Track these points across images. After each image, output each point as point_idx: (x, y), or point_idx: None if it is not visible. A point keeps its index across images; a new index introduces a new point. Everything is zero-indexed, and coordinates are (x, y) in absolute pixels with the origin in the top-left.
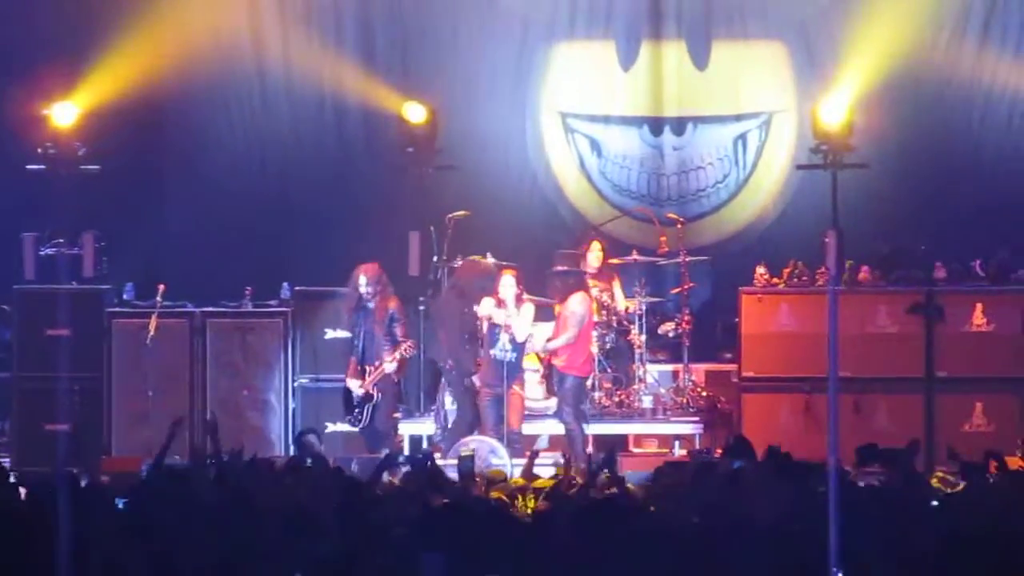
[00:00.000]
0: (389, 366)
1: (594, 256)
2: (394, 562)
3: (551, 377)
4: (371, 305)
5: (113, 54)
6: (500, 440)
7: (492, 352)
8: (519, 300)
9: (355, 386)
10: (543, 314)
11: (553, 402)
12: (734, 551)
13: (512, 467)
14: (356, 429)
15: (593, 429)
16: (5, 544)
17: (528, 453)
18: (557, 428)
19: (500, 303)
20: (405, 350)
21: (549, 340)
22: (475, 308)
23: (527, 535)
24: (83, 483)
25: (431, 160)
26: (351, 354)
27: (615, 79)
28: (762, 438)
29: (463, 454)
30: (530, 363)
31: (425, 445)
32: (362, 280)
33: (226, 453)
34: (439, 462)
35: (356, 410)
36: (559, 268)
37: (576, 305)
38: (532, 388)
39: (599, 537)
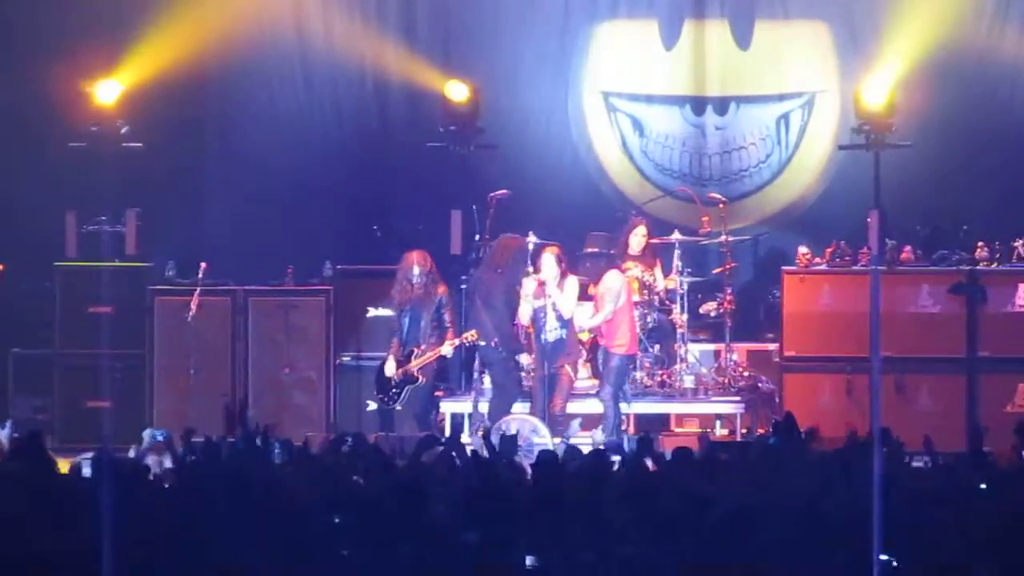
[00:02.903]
0: (447, 349)
1: (636, 240)
2: (435, 540)
3: (595, 357)
4: (420, 292)
5: (156, 31)
6: (544, 419)
7: (542, 335)
8: (563, 275)
9: (392, 368)
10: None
11: (596, 383)
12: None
13: (554, 445)
14: (388, 408)
15: (635, 408)
16: (50, 523)
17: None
18: (598, 408)
19: (540, 284)
20: (467, 338)
21: (591, 319)
22: (517, 287)
23: (567, 513)
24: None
25: (473, 139)
26: (394, 336)
27: (658, 58)
28: (804, 418)
29: (506, 435)
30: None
31: (467, 423)
32: (416, 270)
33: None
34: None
35: (393, 391)
36: (589, 250)
37: (611, 281)
38: (580, 368)
39: (640, 514)
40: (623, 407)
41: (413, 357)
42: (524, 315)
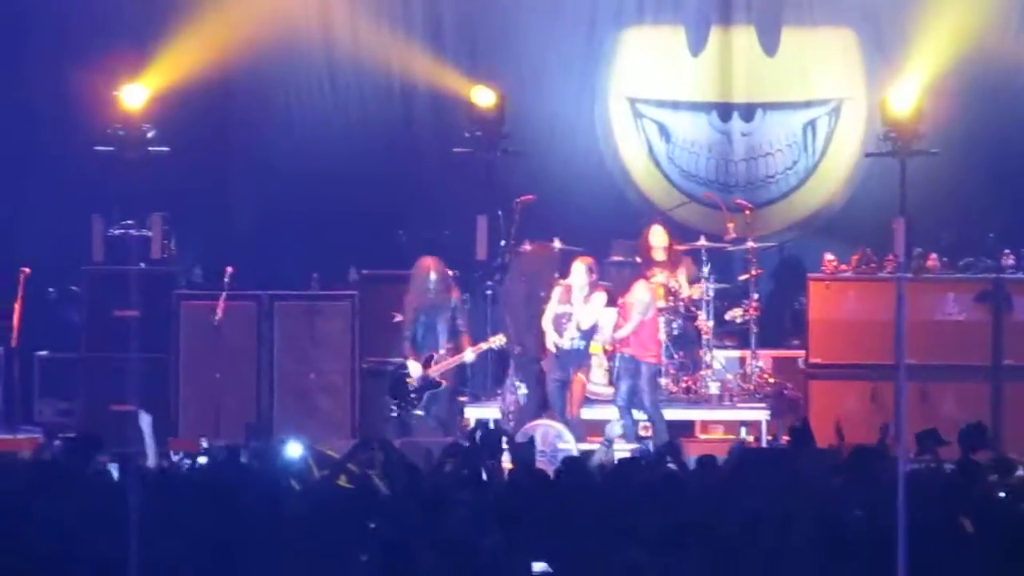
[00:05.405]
0: (470, 356)
1: (657, 240)
2: (454, 542)
3: (614, 365)
4: (435, 297)
5: (182, 37)
6: (566, 425)
7: (559, 341)
8: (593, 288)
9: (416, 371)
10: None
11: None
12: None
13: (578, 451)
14: (407, 413)
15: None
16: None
17: (590, 439)
18: (613, 414)
19: (567, 290)
20: (493, 341)
21: (615, 330)
22: (541, 293)
23: (586, 514)
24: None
25: (498, 144)
26: (405, 340)
27: (684, 64)
28: (828, 425)
29: (522, 440)
30: (594, 351)
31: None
32: (432, 276)
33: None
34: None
35: (412, 396)
36: (615, 259)
37: (640, 293)
38: (595, 375)
39: (663, 516)
40: (638, 414)
41: (432, 362)
42: (547, 319)
